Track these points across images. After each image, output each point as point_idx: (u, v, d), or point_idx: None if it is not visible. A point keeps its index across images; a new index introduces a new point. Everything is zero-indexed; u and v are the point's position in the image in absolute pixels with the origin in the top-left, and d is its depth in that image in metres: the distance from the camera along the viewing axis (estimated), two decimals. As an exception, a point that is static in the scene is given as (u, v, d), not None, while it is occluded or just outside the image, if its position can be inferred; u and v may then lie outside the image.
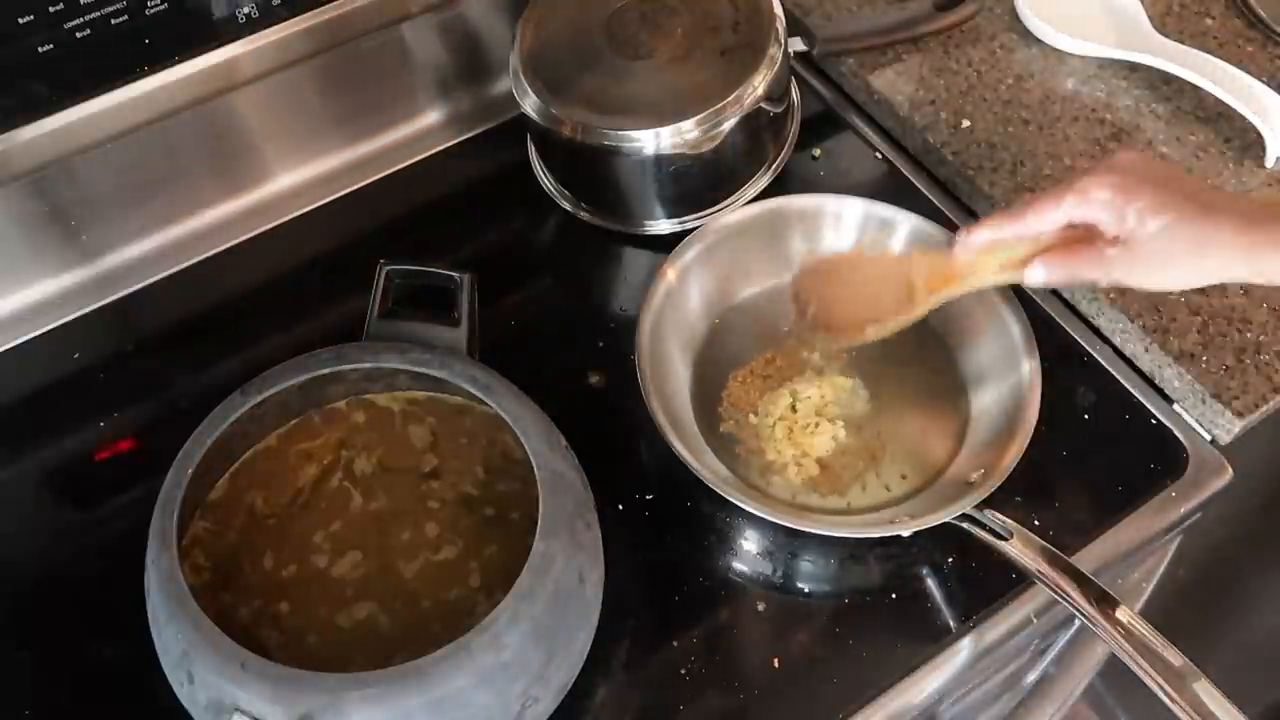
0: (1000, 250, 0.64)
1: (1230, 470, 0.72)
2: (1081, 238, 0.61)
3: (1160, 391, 0.75)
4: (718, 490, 0.65)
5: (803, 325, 0.70)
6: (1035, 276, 0.63)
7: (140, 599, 0.58)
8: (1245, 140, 0.83)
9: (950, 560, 0.68)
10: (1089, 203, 0.60)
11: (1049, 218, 0.62)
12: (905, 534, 0.65)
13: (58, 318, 0.81)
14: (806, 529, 0.65)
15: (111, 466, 0.74)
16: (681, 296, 0.75)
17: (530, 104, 0.79)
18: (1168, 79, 0.86)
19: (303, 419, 0.67)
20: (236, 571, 0.62)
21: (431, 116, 0.91)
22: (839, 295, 0.70)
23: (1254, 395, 0.71)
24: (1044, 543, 0.63)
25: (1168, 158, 0.83)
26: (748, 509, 0.65)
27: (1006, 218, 0.63)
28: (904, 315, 0.67)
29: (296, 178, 0.88)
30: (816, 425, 0.71)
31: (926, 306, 0.67)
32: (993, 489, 0.64)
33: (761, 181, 0.84)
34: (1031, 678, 0.87)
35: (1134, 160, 0.61)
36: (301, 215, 0.87)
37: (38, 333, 0.81)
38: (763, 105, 0.78)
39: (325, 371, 0.64)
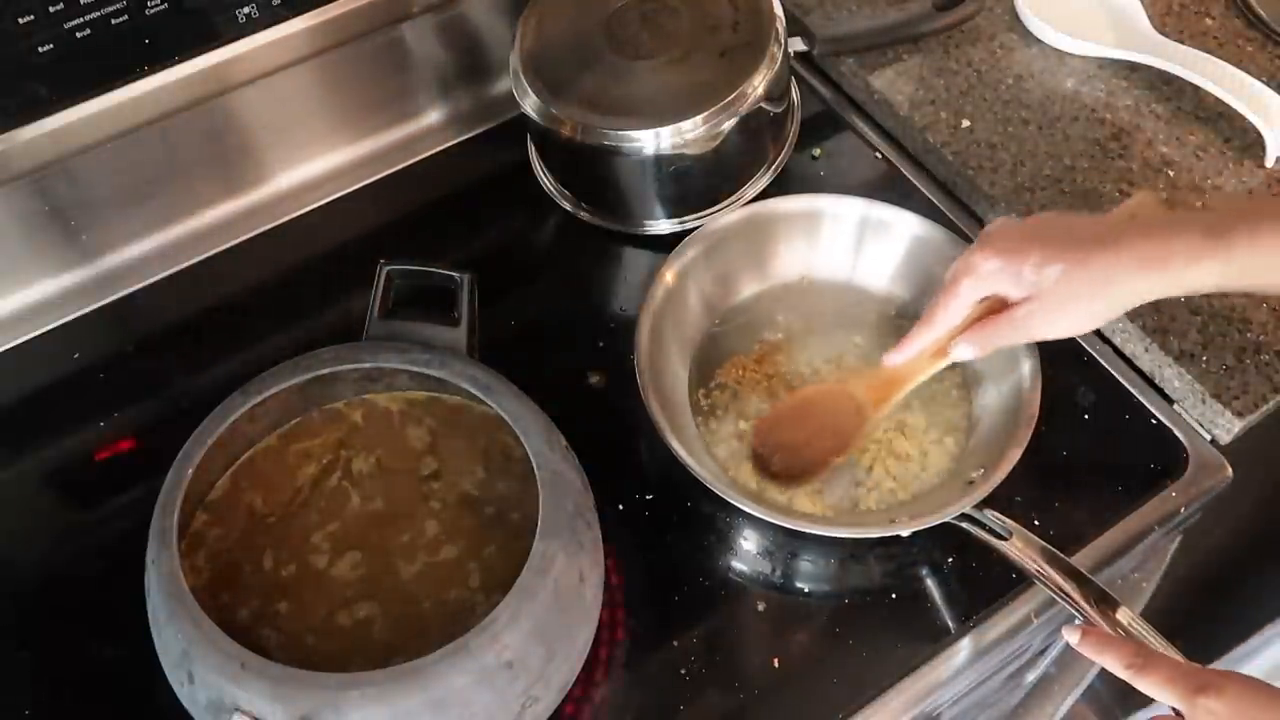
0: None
1: (1230, 470, 0.72)
2: (993, 307, 0.64)
3: (1160, 391, 0.75)
4: (718, 490, 0.65)
5: (772, 482, 0.70)
6: (961, 354, 0.65)
7: (140, 599, 0.58)
8: (1245, 140, 0.83)
9: (950, 560, 0.68)
10: (983, 277, 0.62)
11: (957, 308, 0.64)
12: (905, 534, 0.65)
13: (58, 318, 0.81)
14: (806, 529, 0.65)
15: (111, 466, 0.74)
16: (681, 296, 0.75)
17: (530, 104, 0.79)
18: (1168, 79, 0.87)
19: (302, 419, 0.67)
20: (236, 571, 0.62)
21: (431, 116, 0.91)
22: (795, 441, 0.70)
23: (1254, 395, 0.71)
24: (1043, 543, 0.63)
25: (1168, 158, 0.83)
26: (748, 509, 0.65)
27: (922, 328, 0.65)
28: (860, 435, 0.68)
29: (296, 178, 0.88)
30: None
31: (878, 419, 0.68)
32: (992, 489, 0.64)
33: (761, 181, 0.84)
34: (1031, 678, 0.86)
35: (1009, 224, 0.64)
36: (301, 215, 0.87)
37: (38, 333, 0.81)
38: (763, 105, 0.78)
39: (325, 371, 0.64)
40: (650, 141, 0.76)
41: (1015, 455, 0.65)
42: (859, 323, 0.77)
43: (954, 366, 0.74)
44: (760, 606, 0.68)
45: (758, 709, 0.64)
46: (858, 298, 0.78)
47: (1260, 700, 0.51)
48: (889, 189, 0.85)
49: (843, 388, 0.70)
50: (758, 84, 0.77)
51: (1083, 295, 0.60)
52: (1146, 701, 0.55)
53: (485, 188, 0.88)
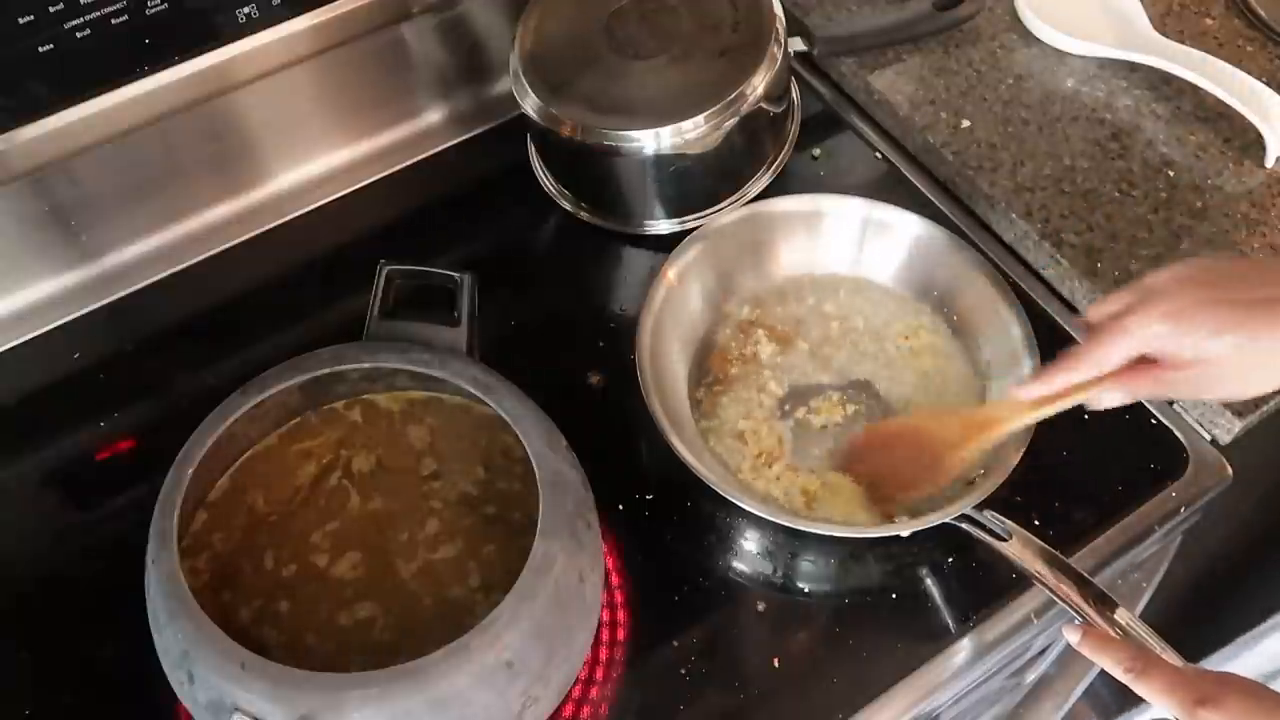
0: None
1: (1230, 470, 0.72)
2: (1144, 362, 0.59)
3: (1160, 391, 0.75)
4: (718, 490, 0.65)
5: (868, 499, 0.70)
6: (1108, 401, 0.61)
7: (140, 599, 0.58)
8: (1245, 140, 0.83)
9: (950, 560, 0.68)
10: (1146, 342, 0.58)
11: (1104, 363, 0.59)
12: (905, 534, 0.65)
13: (58, 318, 0.81)
14: (806, 529, 0.65)
15: (111, 466, 0.74)
16: (682, 296, 0.75)
17: (530, 104, 0.79)
18: (1168, 79, 0.86)
19: (302, 419, 0.67)
20: (236, 571, 0.62)
21: (431, 116, 0.91)
22: (885, 467, 0.69)
23: (1254, 395, 0.71)
24: (1043, 544, 0.63)
25: (1167, 158, 0.83)
26: (748, 509, 0.65)
27: (1064, 371, 0.61)
28: (945, 471, 0.66)
29: (296, 178, 0.88)
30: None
31: (968, 456, 0.66)
32: (992, 489, 0.64)
33: (761, 181, 0.84)
34: (1031, 678, 0.86)
35: (1174, 282, 0.58)
36: (301, 215, 0.87)
37: (38, 333, 0.81)
38: (763, 105, 0.78)
39: (325, 371, 0.64)
40: (650, 141, 0.76)
41: (1015, 456, 0.65)
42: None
43: (959, 368, 0.74)
44: (760, 606, 0.68)
45: (758, 709, 0.64)
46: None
47: (1261, 710, 0.50)
48: (889, 189, 0.85)
49: (936, 423, 0.68)
50: (758, 84, 0.77)
51: (1251, 366, 0.57)
52: (1142, 700, 0.55)
53: (485, 188, 0.88)
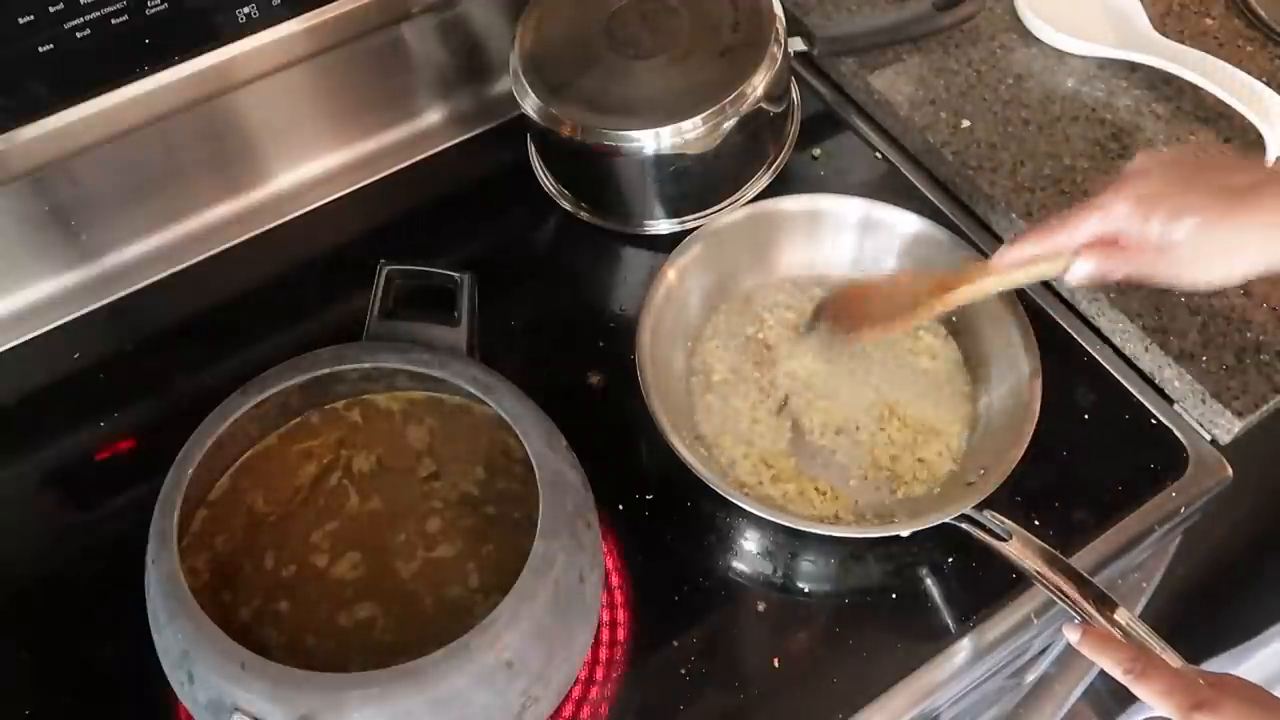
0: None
1: (1230, 470, 0.72)
2: (1114, 241, 0.61)
3: (1160, 391, 0.75)
4: (718, 490, 0.65)
5: (817, 330, 0.73)
6: (1080, 270, 0.62)
7: (140, 599, 0.58)
8: (1245, 140, 0.83)
9: (950, 560, 0.68)
10: (1112, 218, 0.60)
11: (1075, 234, 0.61)
12: (905, 534, 0.65)
13: (58, 318, 0.81)
14: (807, 529, 0.65)
15: (111, 466, 0.74)
16: (682, 296, 0.75)
17: (530, 104, 0.79)
18: (1168, 79, 0.86)
19: (303, 419, 0.67)
20: (236, 571, 0.62)
21: (431, 116, 0.91)
22: (855, 308, 0.72)
23: (1254, 395, 0.71)
24: (1043, 544, 0.63)
25: (1168, 158, 0.83)
26: (748, 509, 0.65)
27: (1033, 238, 0.63)
28: (908, 318, 0.69)
29: (296, 178, 0.88)
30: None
31: (931, 311, 0.68)
32: (992, 489, 0.64)
33: (762, 181, 0.84)
34: (1031, 678, 0.87)
35: (1148, 165, 0.60)
36: (301, 215, 0.87)
37: (38, 333, 0.81)
38: (763, 105, 0.78)
39: (325, 371, 0.64)
40: (650, 141, 0.76)
41: (1015, 456, 0.65)
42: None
43: (959, 368, 0.74)
44: (760, 606, 0.68)
45: (758, 709, 0.64)
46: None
47: (1258, 714, 0.50)
48: (889, 189, 0.85)
49: (911, 278, 0.71)
50: (758, 84, 0.77)
51: (1209, 254, 0.58)
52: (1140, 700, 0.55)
53: (485, 188, 0.88)
